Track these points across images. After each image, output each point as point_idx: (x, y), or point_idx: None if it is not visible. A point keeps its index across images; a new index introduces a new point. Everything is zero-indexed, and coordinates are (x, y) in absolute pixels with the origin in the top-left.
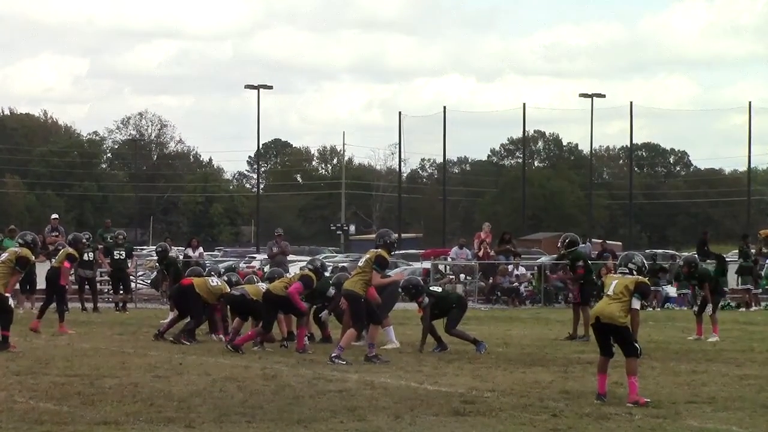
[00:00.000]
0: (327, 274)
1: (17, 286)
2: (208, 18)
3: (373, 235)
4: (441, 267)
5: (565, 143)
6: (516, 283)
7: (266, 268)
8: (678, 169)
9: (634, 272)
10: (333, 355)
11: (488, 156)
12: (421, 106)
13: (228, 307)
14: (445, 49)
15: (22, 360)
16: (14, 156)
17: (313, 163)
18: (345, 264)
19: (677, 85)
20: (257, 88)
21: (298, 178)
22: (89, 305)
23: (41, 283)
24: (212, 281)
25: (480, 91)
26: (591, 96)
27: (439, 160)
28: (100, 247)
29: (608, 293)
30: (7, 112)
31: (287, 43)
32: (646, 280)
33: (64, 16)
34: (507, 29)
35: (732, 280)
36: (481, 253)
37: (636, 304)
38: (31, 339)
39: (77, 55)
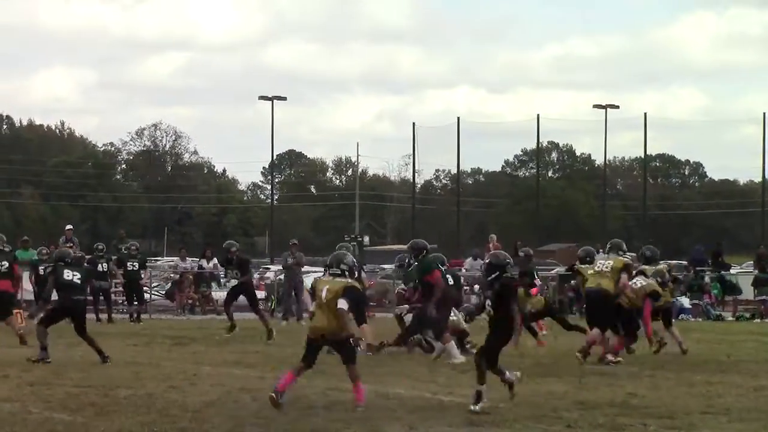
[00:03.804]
0: None
1: (31, 297)
2: (219, 29)
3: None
4: None
5: (578, 154)
6: None
7: (281, 278)
8: (692, 180)
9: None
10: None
11: (502, 167)
12: (433, 117)
13: None
14: (456, 60)
15: (37, 370)
16: (29, 167)
17: (327, 174)
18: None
19: (689, 95)
20: (271, 99)
21: (312, 189)
22: (104, 316)
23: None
24: None
25: (491, 102)
26: (605, 107)
27: (453, 170)
28: (113, 258)
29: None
30: (24, 122)
31: (299, 54)
32: None
33: (77, 28)
34: (517, 41)
35: (748, 291)
36: None
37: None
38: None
39: (89, 66)
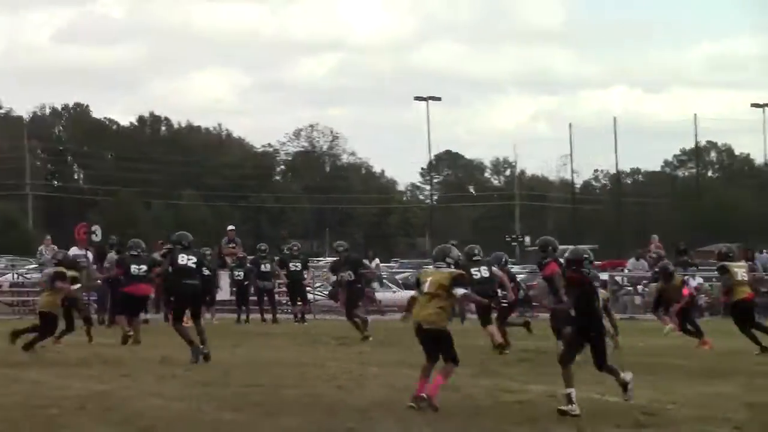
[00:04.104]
0: None
1: None
2: (373, 30)
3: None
4: (618, 278)
5: (737, 153)
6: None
7: None
8: None
9: None
10: None
11: (661, 167)
12: (588, 117)
13: None
14: (611, 60)
15: (205, 370)
16: (190, 169)
17: (485, 174)
18: (523, 276)
19: None
20: (426, 99)
21: (471, 190)
22: (268, 316)
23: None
24: None
25: (647, 101)
26: (763, 106)
27: (612, 170)
28: (276, 258)
29: None
30: (183, 124)
31: (450, 55)
32: None
33: (229, 30)
34: (672, 40)
35: None
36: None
37: None
38: (212, 350)
39: (244, 67)
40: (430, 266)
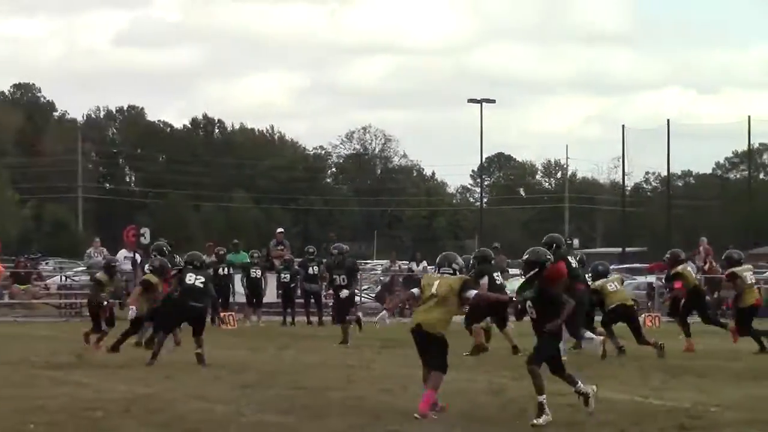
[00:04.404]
0: None
1: (243, 300)
2: (426, 33)
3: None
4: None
5: None
6: None
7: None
8: None
9: None
10: None
11: (713, 169)
12: (641, 119)
13: None
14: (665, 61)
15: (249, 373)
16: (241, 171)
17: (537, 176)
18: None
19: None
20: (480, 102)
21: (521, 192)
22: (314, 319)
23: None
24: None
25: (701, 103)
26: None
27: (663, 173)
28: (324, 261)
29: None
30: (236, 126)
31: (505, 57)
32: None
33: (285, 32)
34: (727, 41)
35: None
36: (706, 267)
37: None
38: (257, 353)
39: (298, 70)
40: (434, 272)
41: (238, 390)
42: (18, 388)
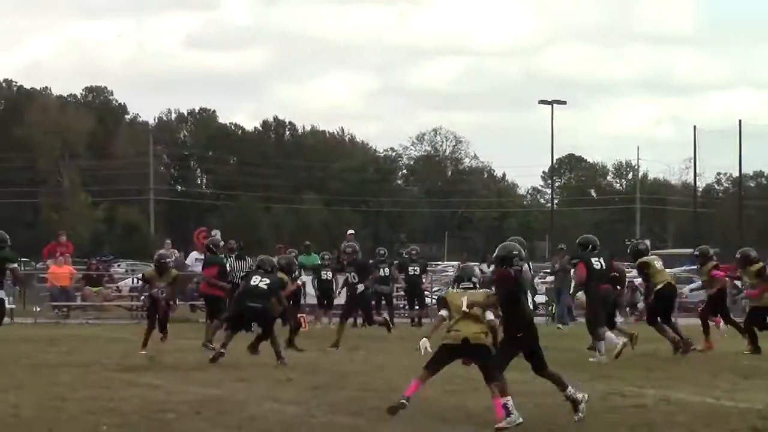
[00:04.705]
0: None
1: (314, 301)
2: (495, 35)
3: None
4: (738, 283)
5: None
6: None
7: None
8: None
9: None
10: None
11: None
12: (711, 120)
13: None
14: (733, 61)
15: (320, 375)
16: (312, 173)
17: (608, 178)
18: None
19: None
20: (551, 103)
21: (592, 193)
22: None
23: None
24: None
25: None
26: None
27: (734, 174)
28: (395, 262)
29: None
30: (307, 128)
31: (575, 58)
32: None
33: (354, 34)
34: None
35: None
36: None
37: None
38: (328, 354)
39: (368, 71)
40: (455, 288)
41: (309, 391)
42: (90, 389)
